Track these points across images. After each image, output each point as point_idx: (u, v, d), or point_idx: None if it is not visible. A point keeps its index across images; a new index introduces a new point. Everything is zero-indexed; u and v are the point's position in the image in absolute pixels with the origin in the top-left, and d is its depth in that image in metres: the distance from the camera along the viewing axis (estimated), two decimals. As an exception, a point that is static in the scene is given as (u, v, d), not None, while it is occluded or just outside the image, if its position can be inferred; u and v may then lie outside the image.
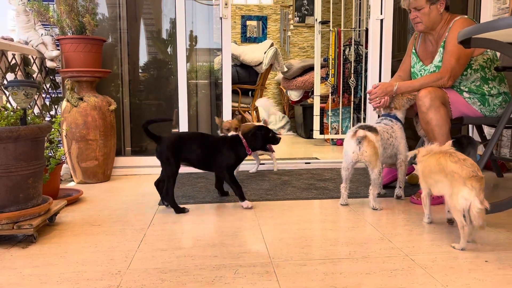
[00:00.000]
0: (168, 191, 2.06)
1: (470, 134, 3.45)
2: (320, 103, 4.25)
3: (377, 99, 2.36)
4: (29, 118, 1.84)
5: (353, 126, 2.32)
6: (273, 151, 2.27)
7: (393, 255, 1.53)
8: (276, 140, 2.30)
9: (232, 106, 4.09)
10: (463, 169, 1.59)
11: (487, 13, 3.42)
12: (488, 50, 2.31)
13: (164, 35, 3.49)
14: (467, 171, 1.58)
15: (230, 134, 2.44)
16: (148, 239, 1.72)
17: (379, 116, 2.46)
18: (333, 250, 1.59)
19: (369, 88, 2.50)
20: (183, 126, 3.23)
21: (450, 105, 2.26)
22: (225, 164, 2.19)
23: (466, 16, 2.33)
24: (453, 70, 2.22)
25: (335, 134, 4.64)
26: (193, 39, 3.55)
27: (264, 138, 2.27)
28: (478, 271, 1.40)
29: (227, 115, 3.29)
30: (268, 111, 2.84)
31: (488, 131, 3.30)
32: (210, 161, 2.20)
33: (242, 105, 4.64)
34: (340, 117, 4.56)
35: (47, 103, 3.01)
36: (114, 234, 1.79)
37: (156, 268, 1.44)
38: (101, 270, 1.43)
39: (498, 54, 2.44)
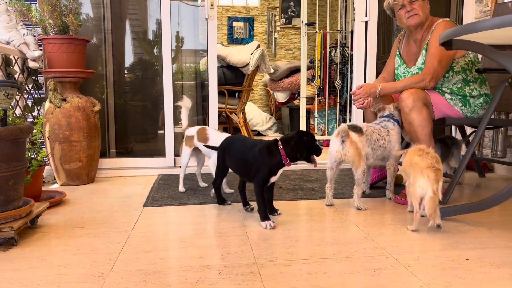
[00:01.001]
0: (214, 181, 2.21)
1: (453, 135, 3.50)
2: (307, 104, 4.27)
3: (361, 100, 2.38)
4: (9, 119, 1.81)
5: (339, 127, 2.37)
6: (316, 163, 1.90)
7: (377, 255, 1.55)
8: (319, 150, 1.91)
9: (219, 108, 4.08)
10: (423, 160, 1.76)
11: (469, 16, 3.48)
12: (470, 52, 2.35)
13: (150, 36, 3.47)
14: (426, 163, 1.75)
15: None
16: (132, 241, 1.70)
17: (363, 117, 2.48)
18: (318, 250, 1.60)
19: (354, 89, 2.52)
20: (169, 127, 3.21)
21: (432, 106, 2.29)
22: (255, 174, 1.90)
23: (448, 19, 2.37)
24: (435, 72, 2.26)
25: (321, 135, 4.67)
26: (179, 40, 3.54)
27: (309, 147, 1.88)
28: (459, 269, 1.42)
29: (213, 116, 3.29)
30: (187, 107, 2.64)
31: (470, 131, 3.36)
32: (244, 169, 1.97)
33: (228, 106, 4.64)
34: (326, 118, 4.59)
35: (30, 104, 2.96)
36: (98, 236, 1.77)
37: (139, 270, 1.43)
38: (83, 272, 1.41)
39: (479, 56, 2.48)
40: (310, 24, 4.35)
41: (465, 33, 1.69)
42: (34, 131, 2.28)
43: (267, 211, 1.91)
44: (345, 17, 5.21)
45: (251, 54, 4.64)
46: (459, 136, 3.26)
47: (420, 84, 2.27)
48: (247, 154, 1.94)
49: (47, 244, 1.69)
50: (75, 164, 2.75)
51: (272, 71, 5.45)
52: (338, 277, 1.36)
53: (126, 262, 1.50)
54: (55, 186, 2.78)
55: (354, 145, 2.10)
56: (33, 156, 2.32)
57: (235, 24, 6.94)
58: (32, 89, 3.01)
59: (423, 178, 1.73)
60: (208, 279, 1.35)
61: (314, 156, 1.92)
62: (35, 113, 2.98)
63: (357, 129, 2.16)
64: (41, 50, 2.91)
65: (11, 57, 2.79)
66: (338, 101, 4.50)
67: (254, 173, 1.91)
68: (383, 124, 2.31)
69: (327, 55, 4.55)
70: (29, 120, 2.94)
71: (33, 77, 3.01)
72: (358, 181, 2.15)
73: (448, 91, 2.34)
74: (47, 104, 2.79)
